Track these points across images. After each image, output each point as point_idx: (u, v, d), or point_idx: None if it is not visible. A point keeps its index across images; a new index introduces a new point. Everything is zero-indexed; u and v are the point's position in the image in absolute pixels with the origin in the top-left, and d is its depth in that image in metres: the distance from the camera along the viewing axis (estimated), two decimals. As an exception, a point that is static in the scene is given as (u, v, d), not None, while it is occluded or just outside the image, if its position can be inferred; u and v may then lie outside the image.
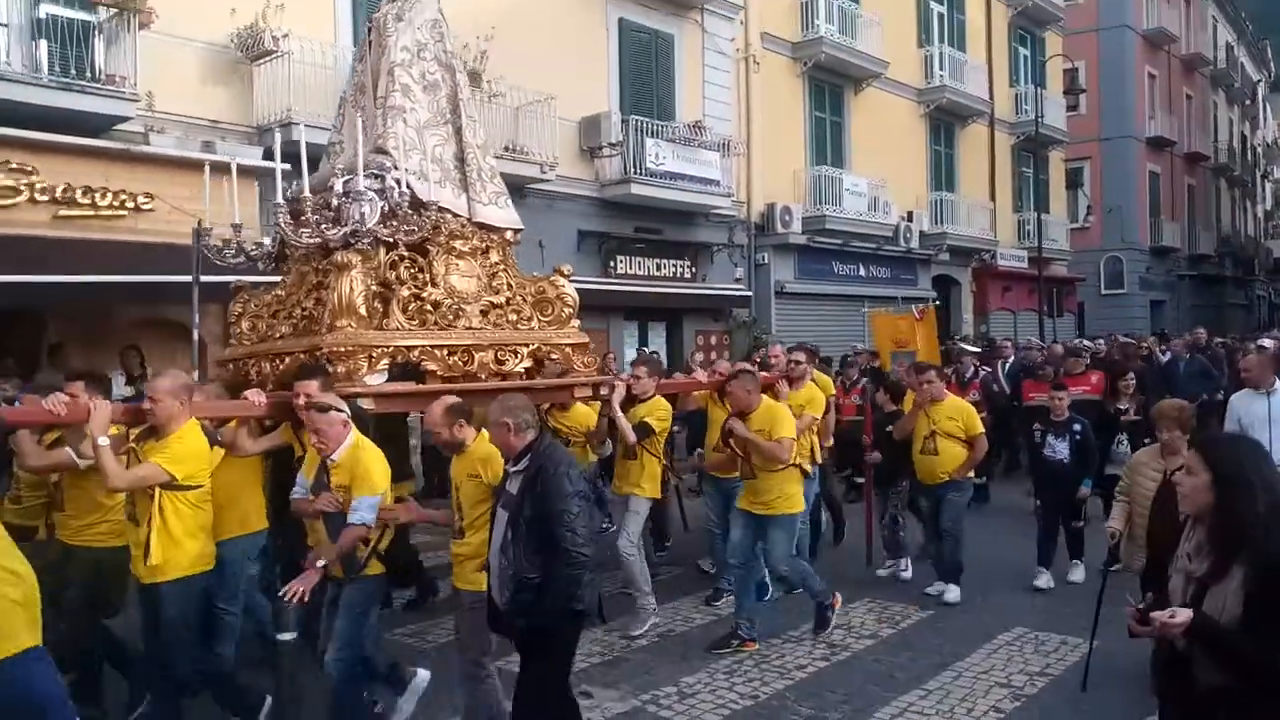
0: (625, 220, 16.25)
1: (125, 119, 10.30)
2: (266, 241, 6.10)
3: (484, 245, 6.02)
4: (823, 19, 19.55)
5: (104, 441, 4.32)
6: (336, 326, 5.24)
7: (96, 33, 10.13)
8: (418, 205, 5.53)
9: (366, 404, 5.07)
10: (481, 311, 5.80)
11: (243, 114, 11.65)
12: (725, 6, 17.99)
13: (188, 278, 7.84)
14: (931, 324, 11.75)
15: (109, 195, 10.25)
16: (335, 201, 5.35)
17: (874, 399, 8.78)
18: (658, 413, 6.71)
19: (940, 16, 23.86)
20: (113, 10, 10.12)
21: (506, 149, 13.67)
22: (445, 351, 5.51)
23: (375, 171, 5.40)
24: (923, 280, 23.12)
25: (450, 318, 5.63)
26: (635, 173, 15.55)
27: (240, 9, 11.33)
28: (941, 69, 23.07)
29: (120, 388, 9.11)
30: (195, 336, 7.92)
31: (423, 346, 5.43)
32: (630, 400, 6.67)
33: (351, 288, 5.21)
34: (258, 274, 6.55)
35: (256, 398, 5.14)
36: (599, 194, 15.77)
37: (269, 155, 11.42)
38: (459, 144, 6.06)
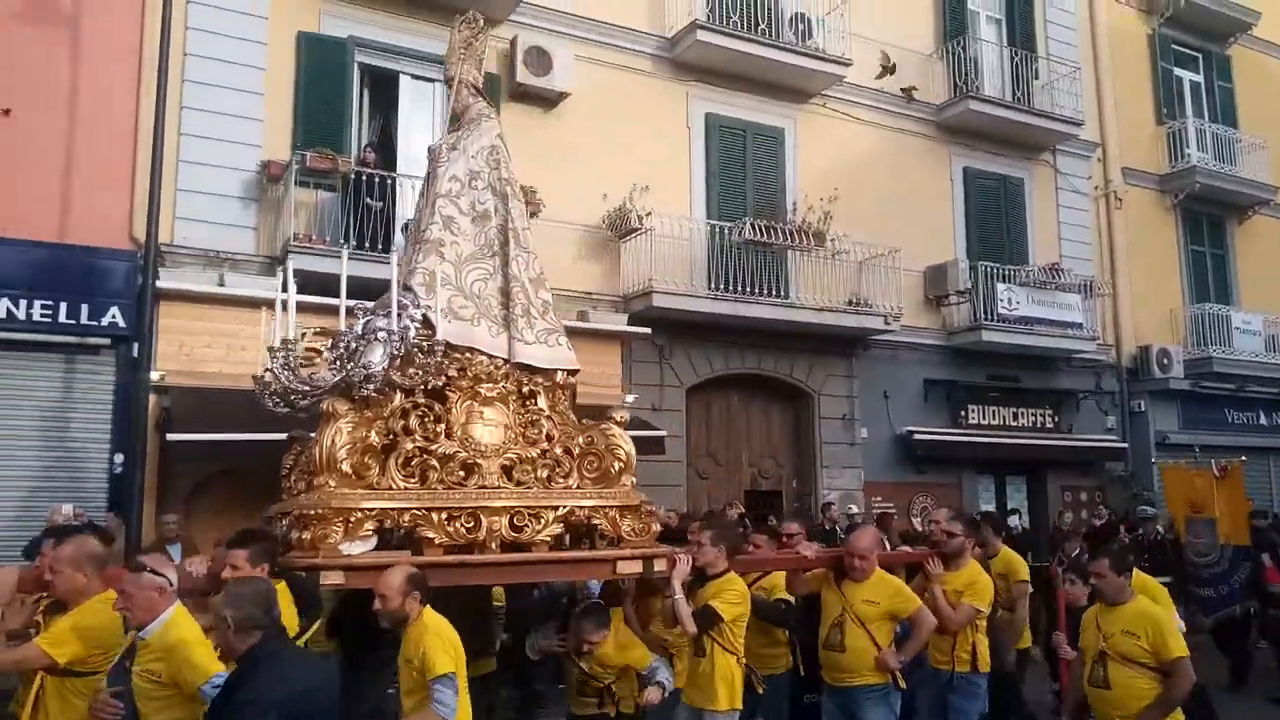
0: (976, 368, 15.63)
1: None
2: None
3: (522, 389, 5.21)
4: (1194, 147, 18.09)
5: None
6: (315, 485, 4.61)
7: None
8: (443, 347, 4.93)
9: (334, 578, 4.32)
10: (503, 467, 4.90)
11: (611, 285, 12.89)
12: (1079, 145, 17.25)
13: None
14: (1238, 484, 9.83)
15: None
16: (351, 343, 4.84)
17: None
18: (727, 594, 5.27)
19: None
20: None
21: (850, 302, 13.87)
22: (444, 515, 4.62)
23: (391, 310, 4.85)
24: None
25: (460, 475, 4.78)
26: (986, 319, 15.02)
27: (611, 194, 12.73)
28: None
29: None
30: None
31: (414, 510, 4.58)
32: (701, 579, 5.40)
33: (334, 440, 4.53)
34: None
35: (195, 568, 4.64)
36: (946, 342, 15.36)
37: (633, 321, 12.58)
38: (505, 277, 5.40)
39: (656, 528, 5.35)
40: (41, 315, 9.63)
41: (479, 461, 4.83)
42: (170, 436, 9.42)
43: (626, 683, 5.28)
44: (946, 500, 14.03)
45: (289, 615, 4.13)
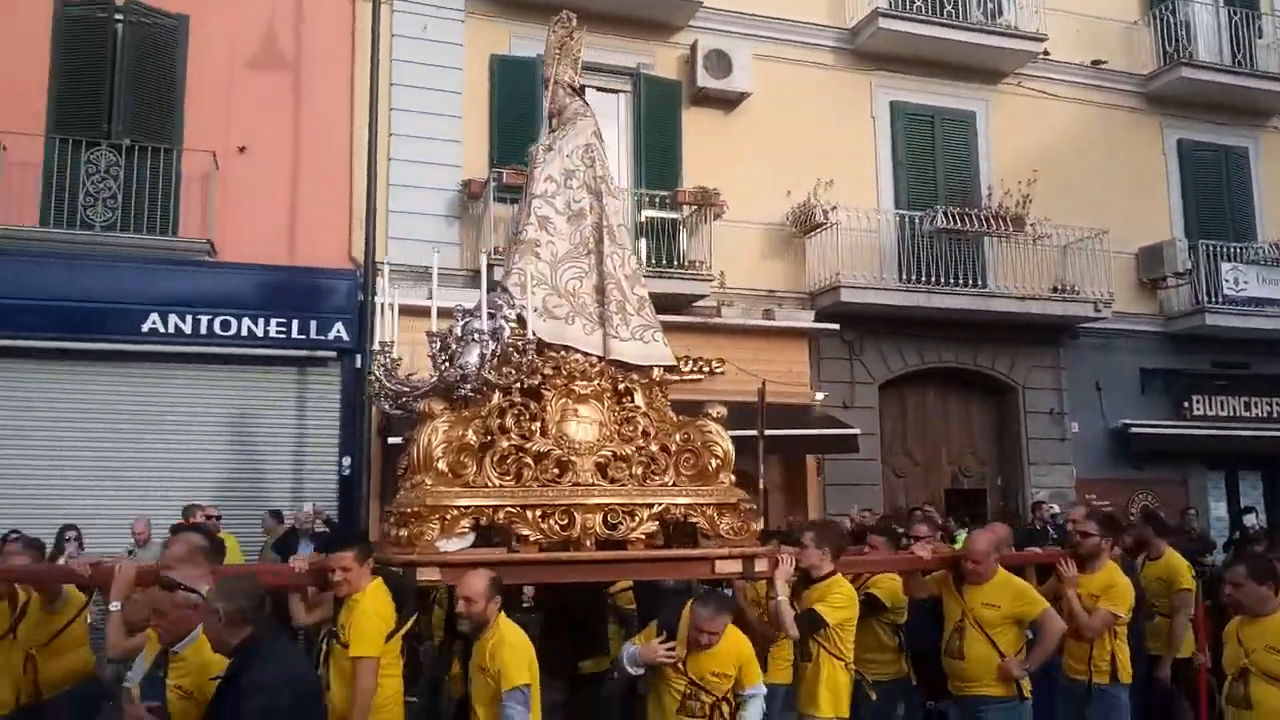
0: (1199, 356, 14.43)
1: (702, 296, 11.96)
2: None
3: (618, 387, 5.15)
4: None
5: (115, 606, 4.23)
6: (414, 484, 4.72)
7: (681, 227, 12.07)
8: (539, 346, 4.93)
9: (431, 574, 4.45)
10: (597, 465, 4.87)
11: (796, 282, 12.81)
12: (1315, 106, 15.62)
13: (753, 432, 8.66)
14: None
15: (690, 363, 11.88)
16: (451, 344, 4.91)
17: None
18: (832, 597, 4.96)
19: None
20: (694, 207, 11.98)
21: (1055, 289, 13.18)
22: (538, 513, 4.65)
23: (489, 311, 4.88)
24: None
25: (554, 472, 4.80)
26: (1209, 301, 13.86)
27: (795, 190, 12.66)
28: None
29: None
30: (761, 486, 8.64)
31: (509, 507, 4.62)
32: (807, 581, 5.12)
33: (430, 440, 4.63)
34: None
35: (296, 564, 4.86)
36: (1164, 329, 14.28)
37: (820, 317, 12.47)
38: (600, 274, 5.35)
39: (756, 527, 5.13)
40: (276, 331, 10.64)
41: (573, 459, 4.82)
42: (391, 440, 10.16)
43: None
44: (1170, 499, 13.06)
45: (386, 611, 4.32)
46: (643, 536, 4.78)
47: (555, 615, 5.69)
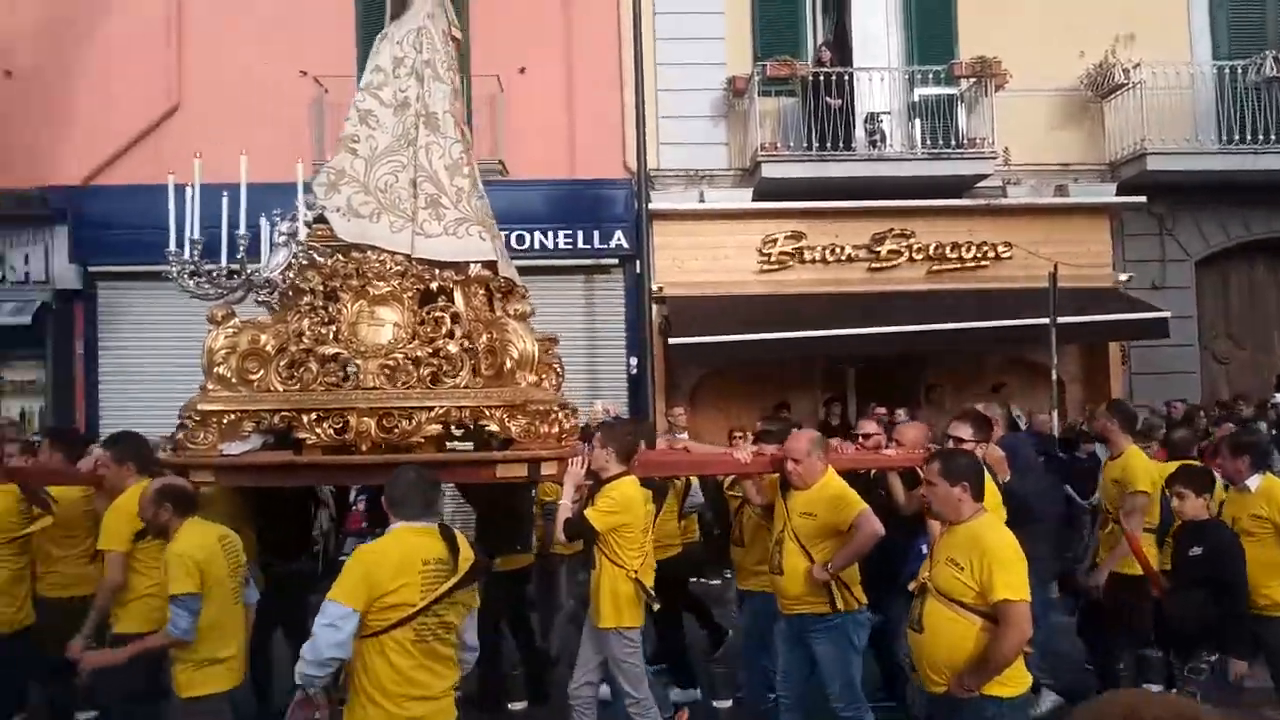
0: None
1: (984, 176, 11.28)
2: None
3: (423, 286, 4.87)
4: None
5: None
6: (204, 390, 4.76)
7: (959, 103, 11.37)
8: (344, 248, 4.83)
9: (204, 476, 4.58)
10: (385, 368, 4.66)
11: (1094, 153, 11.74)
12: None
13: (1045, 320, 8.20)
14: None
15: (972, 248, 11.35)
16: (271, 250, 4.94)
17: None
18: (600, 501, 4.71)
19: None
20: (972, 80, 11.23)
21: None
22: (314, 416, 4.55)
23: (292, 214, 4.85)
24: None
25: (338, 376, 4.65)
26: None
27: (1088, 49, 11.50)
28: None
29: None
30: (1054, 377, 8.22)
31: (284, 411, 4.58)
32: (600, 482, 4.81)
33: (211, 347, 4.70)
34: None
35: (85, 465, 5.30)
36: None
37: (1124, 190, 11.38)
38: (415, 167, 5.05)
39: (556, 429, 4.82)
40: (564, 243, 11.38)
41: (358, 362, 4.69)
42: (671, 341, 10.65)
43: None
44: None
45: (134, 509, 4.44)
46: (423, 440, 4.59)
47: (483, 513, 5.84)
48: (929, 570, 3.74)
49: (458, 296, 4.90)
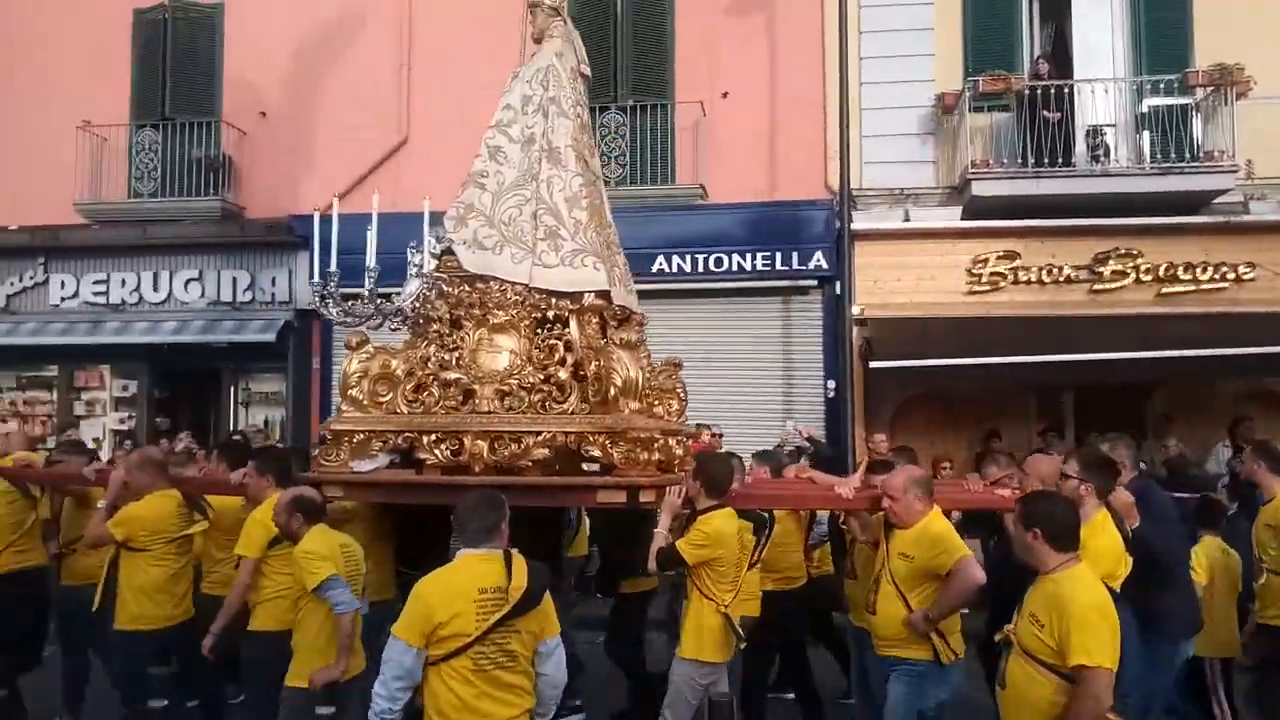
0: None
1: (1223, 191, 10.37)
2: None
3: (540, 315, 5.10)
4: None
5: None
6: (339, 410, 5.14)
7: (1194, 113, 10.53)
8: (469, 279, 5.11)
9: (334, 492, 4.90)
10: (499, 393, 4.91)
11: (1357, 162, 10.57)
12: None
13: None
14: None
15: (1209, 269, 10.46)
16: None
17: None
18: (692, 534, 4.69)
19: None
20: (1210, 89, 10.38)
21: None
22: (433, 438, 4.83)
23: (419, 247, 5.19)
24: None
25: (458, 399, 4.93)
26: None
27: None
28: None
29: (1221, 462, 9.12)
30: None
31: (406, 433, 4.89)
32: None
33: (346, 370, 5.07)
34: None
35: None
36: None
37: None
38: (537, 200, 5.27)
39: (659, 456, 4.92)
40: (762, 265, 11.36)
41: (476, 386, 4.95)
42: (873, 365, 10.39)
43: None
44: None
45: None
46: (529, 464, 4.77)
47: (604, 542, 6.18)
48: (1015, 623, 3.52)
49: (572, 325, 5.15)
